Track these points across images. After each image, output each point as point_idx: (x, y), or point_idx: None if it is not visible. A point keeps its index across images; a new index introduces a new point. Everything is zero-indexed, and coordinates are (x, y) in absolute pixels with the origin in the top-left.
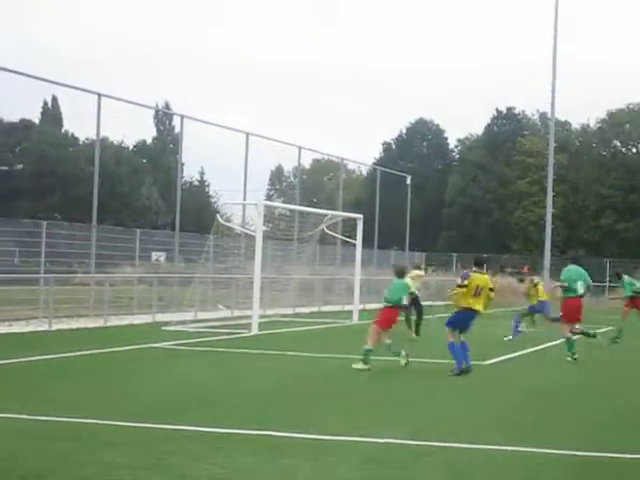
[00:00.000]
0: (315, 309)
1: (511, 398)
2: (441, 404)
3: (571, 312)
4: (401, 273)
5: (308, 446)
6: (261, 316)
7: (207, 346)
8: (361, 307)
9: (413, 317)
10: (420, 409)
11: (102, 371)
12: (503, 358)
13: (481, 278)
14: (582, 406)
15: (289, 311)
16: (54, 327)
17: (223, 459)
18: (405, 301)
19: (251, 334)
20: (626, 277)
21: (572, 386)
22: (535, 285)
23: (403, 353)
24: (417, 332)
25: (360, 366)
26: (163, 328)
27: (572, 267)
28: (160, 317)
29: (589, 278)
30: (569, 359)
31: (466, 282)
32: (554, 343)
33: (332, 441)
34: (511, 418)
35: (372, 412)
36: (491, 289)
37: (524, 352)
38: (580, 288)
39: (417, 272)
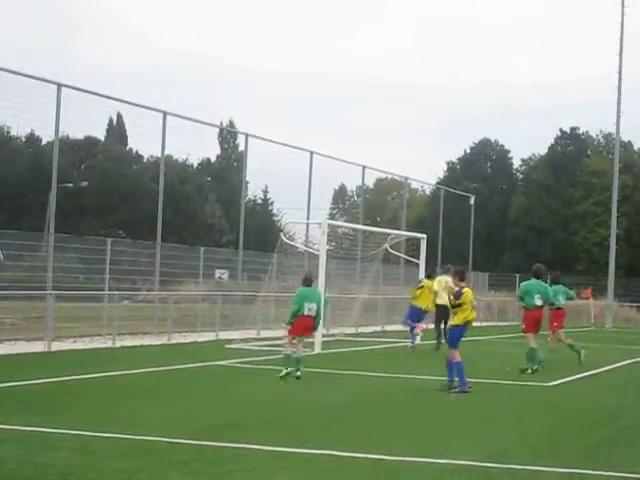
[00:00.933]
0: (378, 328)
1: (583, 417)
2: (510, 426)
3: (529, 323)
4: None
5: (370, 466)
6: (324, 335)
7: (270, 364)
8: (424, 326)
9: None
10: (492, 430)
11: (165, 388)
12: (566, 380)
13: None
14: None
15: (352, 330)
16: (118, 344)
17: (285, 478)
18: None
19: (314, 353)
20: None
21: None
22: None
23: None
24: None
25: None
26: (226, 346)
27: (532, 281)
28: (223, 335)
29: (549, 292)
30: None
31: (459, 300)
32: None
33: (395, 462)
34: (587, 439)
35: (438, 433)
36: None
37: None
38: (537, 301)
39: (446, 278)
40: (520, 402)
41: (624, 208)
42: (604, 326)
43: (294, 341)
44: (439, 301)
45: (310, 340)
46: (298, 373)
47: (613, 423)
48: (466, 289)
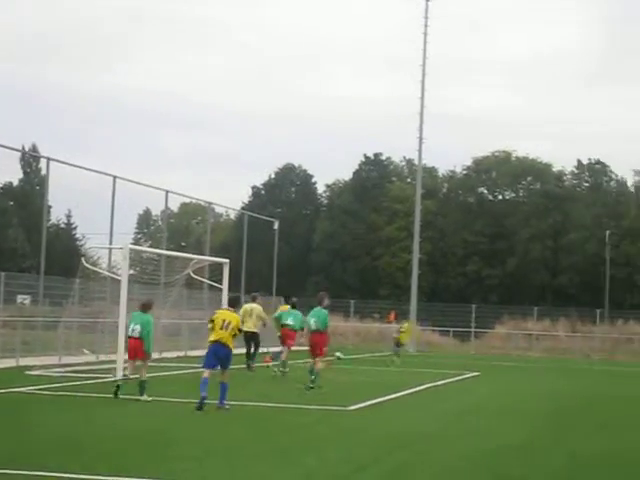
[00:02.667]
0: (182, 353)
1: (375, 443)
2: (310, 451)
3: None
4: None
5: None
6: (126, 360)
7: (70, 391)
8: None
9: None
10: (292, 455)
11: None
12: (367, 404)
13: (228, 314)
14: (437, 452)
15: (156, 356)
16: None
17: None
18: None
19: (116, 378)
20: None
21: (427, 433)
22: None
23: None
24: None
25: None
26: (26, 372)
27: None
28: (24, 361)
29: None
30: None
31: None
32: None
33: None
34: (388, 465)
35: (238, 459)
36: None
37: (384, 398)
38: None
39: (252, 306)
40: (320, 426)
41: (427, 233)
42: (407, 350)
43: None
44: (245, 327)
45: (112, 365)
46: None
47: (409, 447)
48: (218, 312)
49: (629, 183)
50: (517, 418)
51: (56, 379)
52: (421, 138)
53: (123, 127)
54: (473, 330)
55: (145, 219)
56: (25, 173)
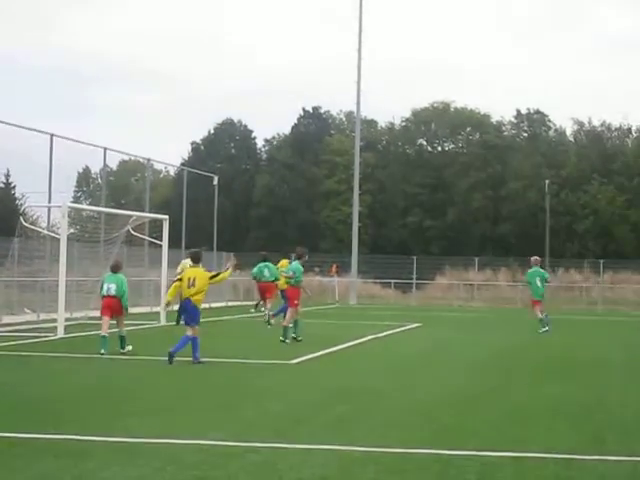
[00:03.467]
0: None
1: (316, 396)
2: (258, 405)
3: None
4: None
5: (111, 449)
6: (68, 319)
7: (12, 350)
8: (169, 308)
9: None
10: (234, 408)
11: None
12: (308, 357)
13: (193, 271)
14: (378, 404)
15: (96, 313)
16: None
17: (24, 465)
18: None
19: (57, 337)
20: None
21: (368, 385)
22: None
23: None
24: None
25: None
26: None
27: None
28: None
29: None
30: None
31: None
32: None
33: (137, 443)
34: (327, 416)
35: (179, 413)
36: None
37: (325, 351)
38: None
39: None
40: (262, 380)
41: (367, 186)
42: (348, 303)
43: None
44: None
45: (53, 324)
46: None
47: (350, 400)
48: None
49: (568, 132)
50: (459, 368)
51: None
52: (359, 90)
53: (59, 83)
54: (414, 282)
55: (84, 177)
56: None
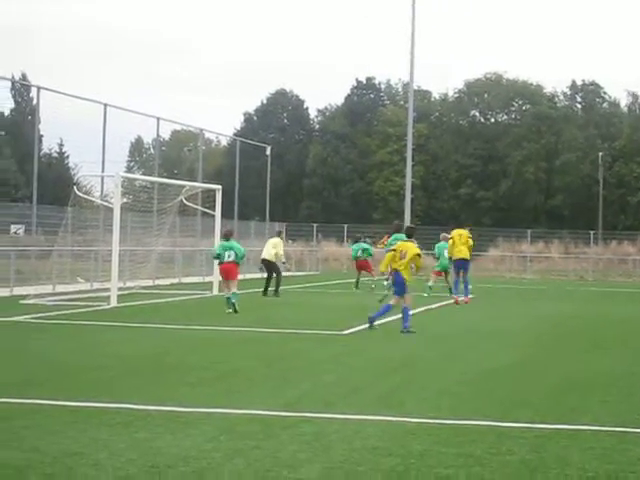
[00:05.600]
0: (175, 280)
1: (368, 367)
2: (312, 376)
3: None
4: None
5: (165, 419)
6: (120, 288)
7: (65, 319)
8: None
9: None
10: (287, 379)
11: None
12: (360, 328)
13: (406, 245)
14: (431, 375)
15: (149, 283)
16: None
17: (77, 433)
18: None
19: (110, 306)
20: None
21: (421, 356)
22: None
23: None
24: (265, 293)
25: None
26: (21, 302)
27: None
28: (18, 290)
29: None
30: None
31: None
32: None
33: (191, 413)
34: (379, 387)
35: (234, 384)
36: (419, 255)
37: (380, 322)
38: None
39: (277, 240)
40: (315, 351)
41: (419, 157)
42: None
43: (223, 284)
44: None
45: (106, 293)
46: (229, 310)
47: (403, 370)
48: (399, 243)
49: (622, 104)
50: (511, 340)
51: (50, 307)
52: (412, 60)
53: (114, 54)
54: None
55: (137, 147)
56: (16, 103)
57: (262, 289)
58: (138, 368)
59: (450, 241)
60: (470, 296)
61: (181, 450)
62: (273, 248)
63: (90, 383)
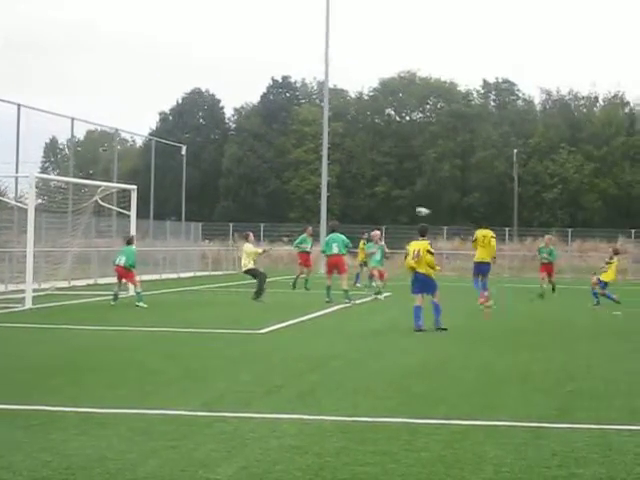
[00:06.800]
0: (92, 281)
1: (285, 366)
2: (228, 375)
3: (328, 266)
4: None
5: (80, 420)
6: (36, 290)
7: None
8: (137, 278)
9: None
10: (203, 379)
11: None
12: (277, 327)
13: (417, 244)
14: (349, 372)
15: (65, 284)
16: None
17: None
18: None
19: (25, 308)
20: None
21: (339, 354)
22: None
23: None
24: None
25: None
26: None
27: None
28: None
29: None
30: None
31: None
32: (325, 311)
33: (105, 414)
34: (297, 386)
35: (148, 384)
36: (429, 252)
37: (297, 320)
38: (334, 249)
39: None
40: (232, 349)
41: (335, 155)
42: (318, 272)
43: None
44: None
45: (21, 295)
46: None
47: (320, 369)
48: (411, 243)
49: (536, 101)
50: (427, 337)
51: None
52: (327, 59)
53: (29, 53)
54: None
55: (52, 147)
56: None
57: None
58: (53, 369)
59: (473, 245)
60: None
61: (96, 451)
62: (246, 257)
63: (4, 385)
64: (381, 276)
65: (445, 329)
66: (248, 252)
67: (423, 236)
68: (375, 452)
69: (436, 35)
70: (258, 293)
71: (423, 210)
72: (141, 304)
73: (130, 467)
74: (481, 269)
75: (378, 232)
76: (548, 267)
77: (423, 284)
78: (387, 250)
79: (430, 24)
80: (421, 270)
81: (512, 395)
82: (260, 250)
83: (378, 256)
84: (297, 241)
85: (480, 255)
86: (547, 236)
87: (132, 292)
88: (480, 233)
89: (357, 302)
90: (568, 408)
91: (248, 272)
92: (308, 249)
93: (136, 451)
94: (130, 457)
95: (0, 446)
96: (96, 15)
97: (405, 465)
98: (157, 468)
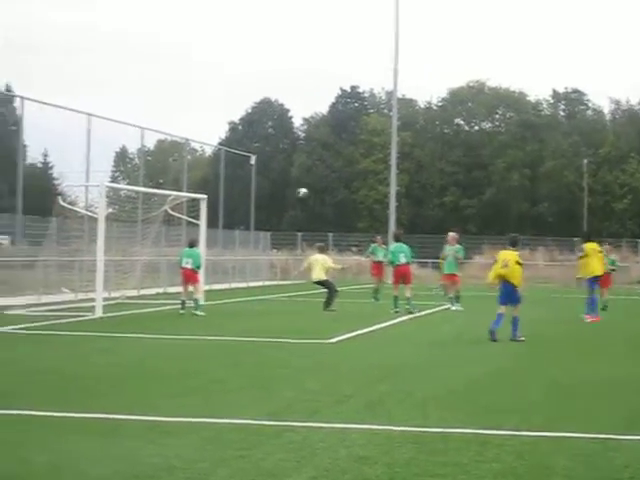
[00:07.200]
0: (161, 290)
1: (354, 375)
2: (296, 384)
3: (396, 276)
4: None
5: (148, 429)
6: (105, 298)
7: (50, 329)
8: (207, 287)
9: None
10: (271, 388)
11: None
12: (347, 336)
13: (507, 254)
14: (418, 382)
15: (134, 293)
16: None
17: (61, 443)
18: None
19: (95, 317)
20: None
21: (408, 364)
22: None
23: None
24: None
25: None
26: (5, 312)
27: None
28: (3, 301)
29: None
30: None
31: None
32: (395, 321)
33: (172, 422)
34: (365, 395)
35: (218, 393)
36: (518, 263)
37: (367, 329)
38: (402, 259)
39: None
40: (300, 359)
41: (404, 165)
42: (386, 282)
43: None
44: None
45: (91, 304)
46: (181, 312)
47: (389, 378)
48: (500, 252)
49: (605, 111)
50: (497, 347)
51: (35, 318)
52: (396, 69)
53: (98, 64)
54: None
55: (121, 157)
56: (0, 114)
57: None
58: (122, 378)
59: (583, 259)
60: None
61: (165, 460)
62: (321, 268)
63: (74, 393)
64: (454, 283)
65: (522, 340)
66: (326, 265)
67: (514, 246)
68: (445, 463)
69: (505, 45)
70: (328, 303)
71: (302, 190)
72: (198, 312)
73: (199, 476)
74: (596, 282)
75: (453, 234)
76: (607, 277)
77: (509, 295)
78: (460, 257)
79: (499, 34)
80: (510, 280)
81: (580, 406)
82: (339, 266)
83: (451, 259)
84: (369, 250)
85: (594, 269)
86: (606, 245)
87: (201, 301)
88: (590, 247)
89: (421, 312)
90: (638, 419)
91: (320, 282)
92: (379, 259)
93: (205, 460)
94: (199, 466)
95: (69, 454)
96: (157, 25)
97: (476, 476)
98: (227, 478)
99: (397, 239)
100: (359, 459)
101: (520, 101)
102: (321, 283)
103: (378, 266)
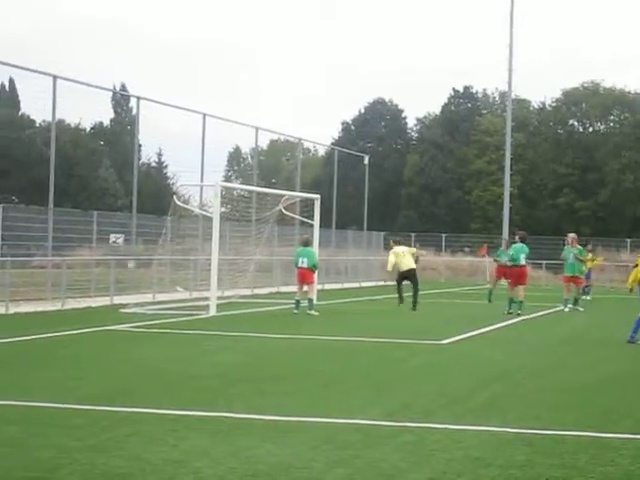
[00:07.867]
0: (274, 289)
1: (468, 376)
2: (411, 385)
3: (512, 278)
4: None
5: (264, 427)
6: (219, 297)
7: (164, 328)
8: (319, 287)
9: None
10: (387, 388)
11: (57, 354)
12: (459, 337)
13: None
14: (533, 384)
15: (248, 292)
16: (11, 310)
17: (179, 441)
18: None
19: (209, 315)
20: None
21: (522, 365)
22: None
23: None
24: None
25: None
26: (121, 310)
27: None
28: (118, 299)
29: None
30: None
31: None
32: (508, 322)
33: (290, 422)
34: (480, 396)
35: (334, 393)
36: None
37: (479, 331)
38: (522, 260)
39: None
40: (414, 359)
41: (518, 166)
42: (499, 283)
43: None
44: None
45: (205, 303)
46: (295, 311)
47: (503, 379)
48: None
49: None
50: (615, 349)
51: (150, 316)
52: (510, 69)
53: (212, 65)
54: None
55: (235, 156)
56: (116, 113)
57: (411, 304)
58: (237, 377)
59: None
60: None
61: (281, 459)
62: (410, 257)
63: (190, 392)
64: (578, 284)
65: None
66: (413, 252)
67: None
68: (561, 465)
69: (621, 45)
70: (416, 303)
71: None
72: (312, 312)
73: (316, 476)
74: None
75: (573, 235)
76: None
77: None
78: (581, 257)
79: (613, 34)
80: None
81: None
82: (424, 252)
83: (571, 260)
84: (497, 254)
85: None
86: None
87: (314, 300)
88: None
89: (535, 314)
90: None
91: (411, 273)
92: (504, 262)
93: (322, 460)
94: (316, 466)
95: (187, 452)
96: (269, 27)
97: None
98: (344, 478)
99: (522, 240)
100: (474, 460)
101: (635, 102)
102: (412, 274)
103: (501, 269)
